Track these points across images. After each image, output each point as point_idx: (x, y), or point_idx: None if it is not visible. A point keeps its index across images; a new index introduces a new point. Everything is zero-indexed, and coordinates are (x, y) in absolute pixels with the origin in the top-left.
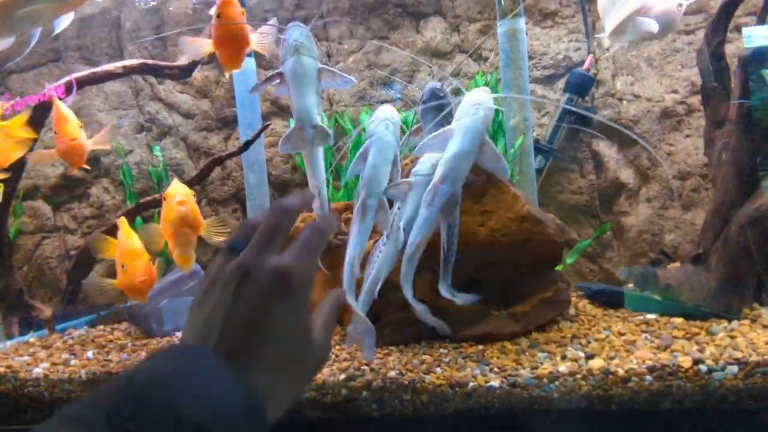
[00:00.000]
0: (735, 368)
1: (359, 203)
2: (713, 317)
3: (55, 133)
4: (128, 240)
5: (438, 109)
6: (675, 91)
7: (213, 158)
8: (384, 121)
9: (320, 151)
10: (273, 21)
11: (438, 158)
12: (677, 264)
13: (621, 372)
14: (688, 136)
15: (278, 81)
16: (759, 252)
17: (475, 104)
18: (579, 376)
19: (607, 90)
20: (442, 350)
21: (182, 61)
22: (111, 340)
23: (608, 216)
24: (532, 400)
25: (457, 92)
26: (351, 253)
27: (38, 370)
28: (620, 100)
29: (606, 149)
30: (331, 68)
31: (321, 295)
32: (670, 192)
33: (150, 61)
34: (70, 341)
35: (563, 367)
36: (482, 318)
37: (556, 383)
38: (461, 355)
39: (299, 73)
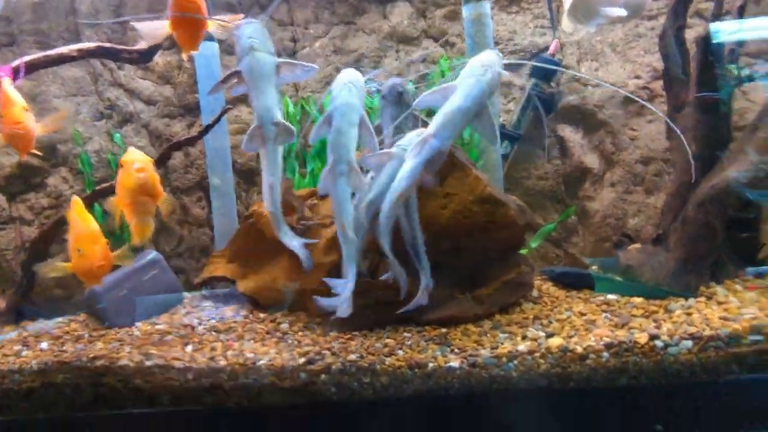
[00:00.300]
0: (689, 343)
1: (327, 168)
2: (672, 296)
3: (1, 116)
4: (84, 223)
5: (397, 107)
6: (638, 77)
7: (171, 143)
8: (347, 84)
9: (279, 150)
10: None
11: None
12: (639, 246)
13: (579, 349)
14: (650, 121)
15: (236, 80)
16: (715, 227)
17: (485, 65)
18: (538, 354)
19: (572, 75)
20: (405, 334)
21: (141, 45)
22: (67, 332)
23: (573, 201)
24: (491, 380)
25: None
26: (340, 221)
27: None
28: (585, 85)
29: (571, 135)
30: (290, 60)
31: (282, 278)
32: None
33: (107, 44)
34: (25, 333)
35: (522, 347)
36: (447, 302)
37: (515, 362)
38: (424, 338)
39: (256, 71)
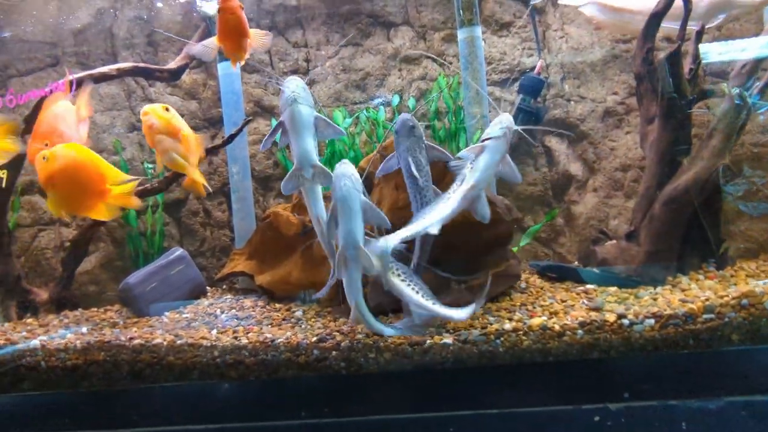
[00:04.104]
0: (652, 321)
1: (339, 252)
2: (641, 285)
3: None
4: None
5: (408, 138)
6: (615, 93)
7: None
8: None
9: (318, 188)
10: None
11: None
12: (614, 242)
13: (557, 328)
14: (628, 132)
15: (281, 129)
16: (678, 224)
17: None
18: (521, 332)
19: (557, 92)
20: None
21: (172, 65)
22: (104, 319)
23: (560, 205)
24: (480, 355)
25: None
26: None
27: (35, 342)
28: (568, 100)
29: (557, 145)
30: (326, 118)
31: (296, 273)
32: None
33: (141, 64)
34: (66, 320)
35: (508, 326)
36: (443, 292)
37: (502, 339)
38: None
39: (297, 120)
